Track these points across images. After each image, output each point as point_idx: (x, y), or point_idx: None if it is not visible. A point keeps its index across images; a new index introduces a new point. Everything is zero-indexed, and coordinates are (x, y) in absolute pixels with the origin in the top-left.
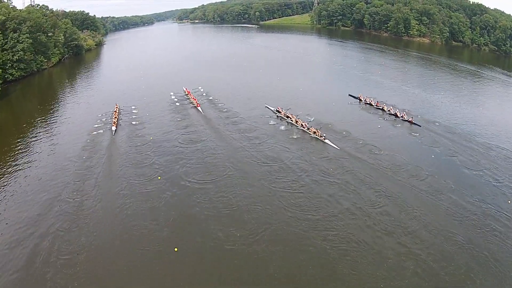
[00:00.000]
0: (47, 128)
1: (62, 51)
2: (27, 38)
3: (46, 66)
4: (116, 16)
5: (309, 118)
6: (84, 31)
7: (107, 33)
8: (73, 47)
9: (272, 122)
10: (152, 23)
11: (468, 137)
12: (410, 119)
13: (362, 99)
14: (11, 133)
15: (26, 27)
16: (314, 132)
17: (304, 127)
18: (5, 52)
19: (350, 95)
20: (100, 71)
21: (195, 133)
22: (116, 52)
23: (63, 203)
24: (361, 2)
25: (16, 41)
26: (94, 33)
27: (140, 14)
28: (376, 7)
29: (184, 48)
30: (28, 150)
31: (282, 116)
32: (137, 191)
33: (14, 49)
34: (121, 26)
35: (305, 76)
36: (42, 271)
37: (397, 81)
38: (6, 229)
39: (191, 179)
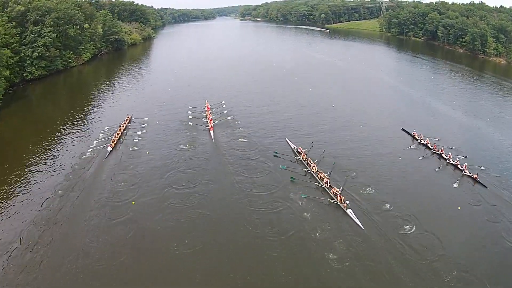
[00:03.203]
0: (47, 142)
1: (99, 45)
2: (50, 32)
3: (75, 64)
4: (177, 8)
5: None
6: (132, 23)
7: (164, 25)
8: (113, 42)
9: (287, 167)
10: (213, 17)
11: None
12: (474, 176)
13: (417, 138)
14: (13, 140)
15: (51, 19)
16: (335, 194)
17: (324, 184)
18: (24, 47)
19: (403, 129)
20: (133, 72)
21: (194, 169)
22: (162, 50)
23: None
24: (433, 11)
25: (37, 35)
26: (143, 26)
27: (202, 7)
28: (450, 19)
29: (239, 49)
30: (14, 167)
31: (301, 159)
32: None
33: (34, 45)
34: (181, 19)
35: (359, 99)
36: None
37: (467, 113)
38: None
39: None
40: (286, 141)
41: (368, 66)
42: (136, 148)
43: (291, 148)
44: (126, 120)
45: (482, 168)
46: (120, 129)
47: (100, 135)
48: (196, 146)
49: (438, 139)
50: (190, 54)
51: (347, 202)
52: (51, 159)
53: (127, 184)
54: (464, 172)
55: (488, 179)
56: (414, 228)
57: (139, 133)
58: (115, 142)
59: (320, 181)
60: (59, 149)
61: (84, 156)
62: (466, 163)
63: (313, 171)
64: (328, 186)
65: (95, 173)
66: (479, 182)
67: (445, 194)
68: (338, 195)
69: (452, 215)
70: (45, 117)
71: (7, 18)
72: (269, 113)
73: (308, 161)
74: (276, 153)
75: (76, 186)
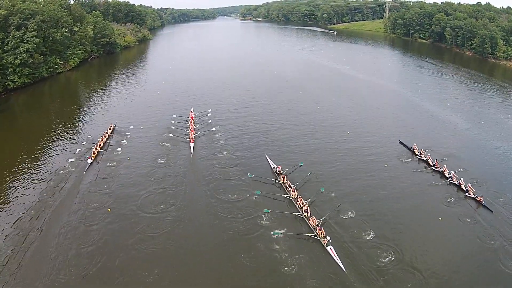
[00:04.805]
0: (28, 154)
1: (90, 49)
2: (33, 36)
3: (61, 70)
4: (177, 8)
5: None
6: (127, 24)
7: (164, 25)
8: (104, 45)
9: (265, 191)
10: (214, 17)
11: None
12: (479, 198)
13: (416, 152)
14: None
15: (34, 23)
16: (316, 227)
17: (303, 213)
18: (6, 54)
19: (401, 142)
20: (123, 78)
21: (168, 190)
22: (157, 53)
23: None
24: (440, 12)
25: (19, 40)
26: (138, 27)
27: (202, 7)
28: (458, 20)
29: (238, 51)
30: None
31: (280, 182)
32: None
33: (16, 51)
34: (181, 19)
35: (376, 124)
36: None
37: (473, 125)
38: None
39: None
40: (266, 158)
41: (380, 75)
42: (114, 163)
43: (270, 167)
44: (109, 129)
45: (496, 191)
46: (102, 139)
47: (83, 144)
48: (174, 161)
49: (459, 170)
50: (186, 58)
51: (328, 238)
52: (30, 173)
53: (98, 206)
54: (468, 193)
55: (493, 200)
56: (405, 268)
57: (119, 148)
58: (95, 154)
59: (299, 209)
60: (39, 162)
61: (63, 170)
62: (470, 185)
63: (292, 197)
64: (307, 216)
65: (71, 189)
66: (484, 205)
67: (443, 217)
68: (318, 228)
69: (444, 233)
70: (28, 128)
71: None
72: (263, 133)
73: (288, 185)
74: (251, 176)
75: (50, 205)
